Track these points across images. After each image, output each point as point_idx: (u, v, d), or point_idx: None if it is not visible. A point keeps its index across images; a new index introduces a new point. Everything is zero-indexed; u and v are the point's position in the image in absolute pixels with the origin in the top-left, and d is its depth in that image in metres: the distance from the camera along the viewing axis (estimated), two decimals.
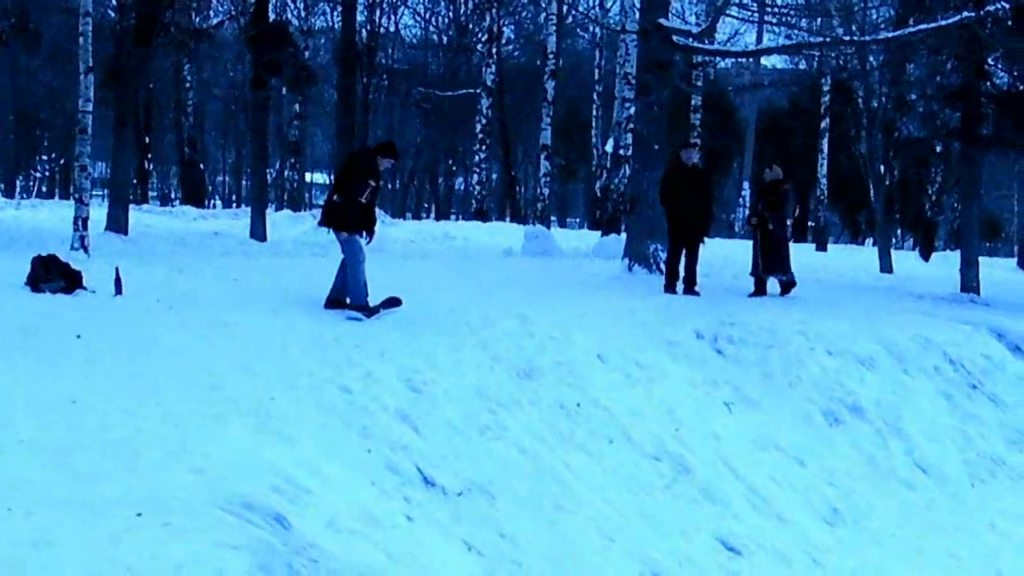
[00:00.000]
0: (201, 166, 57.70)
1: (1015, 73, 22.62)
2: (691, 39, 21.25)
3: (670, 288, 17.65)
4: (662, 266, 19.38)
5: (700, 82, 43.10)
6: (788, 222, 18.60)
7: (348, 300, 13.40)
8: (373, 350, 11.46)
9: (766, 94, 59.62)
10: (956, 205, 42.74)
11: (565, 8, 50.73)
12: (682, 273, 17.84)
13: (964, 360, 15.51)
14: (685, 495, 11.11)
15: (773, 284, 18.47)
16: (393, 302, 13.47)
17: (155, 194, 68.47)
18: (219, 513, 7.22)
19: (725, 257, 24.88)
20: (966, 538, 12.31)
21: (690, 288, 17.73)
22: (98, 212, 24.66)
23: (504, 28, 57.08)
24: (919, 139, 35.10)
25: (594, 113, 51.64)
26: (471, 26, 62.73)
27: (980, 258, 23.87)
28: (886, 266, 30.99)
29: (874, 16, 32.37)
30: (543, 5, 47.14)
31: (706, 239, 18.26)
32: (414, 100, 62.56)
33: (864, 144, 36.59)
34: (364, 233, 13.63)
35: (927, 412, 14.12)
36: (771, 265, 18.19)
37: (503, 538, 9.24)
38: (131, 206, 28.20)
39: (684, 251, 17.94)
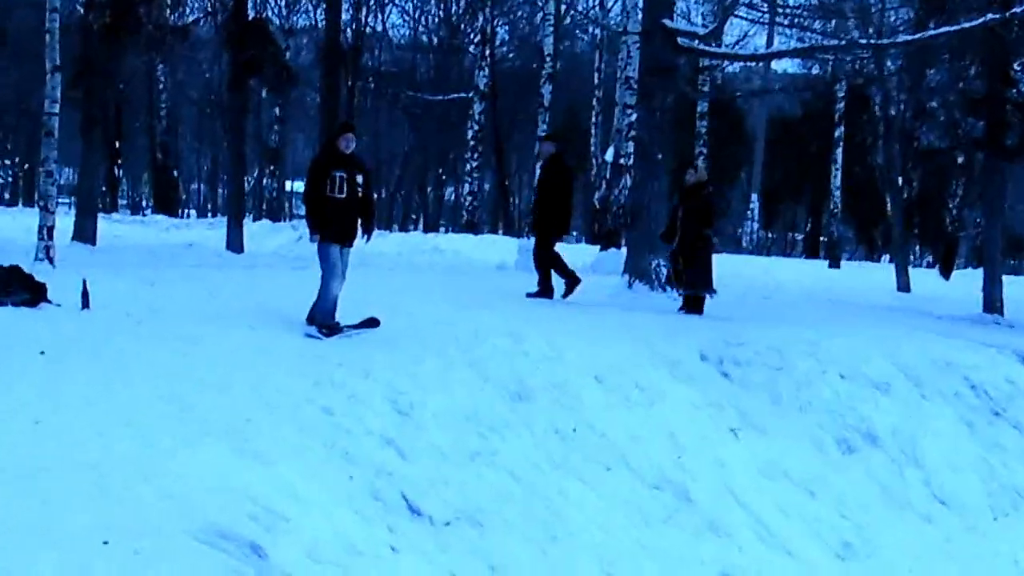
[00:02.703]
0: (175, 173, 57.75)
1: None
2: (697, 41, 21.31)
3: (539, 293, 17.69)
4: (663, 283, 19.45)
5: (707, 87, 43.24)
6: (710, 231, 18.06)
7: (311, 314, 13.26)
8: (357, 369, 11.47)
9: (777, 100, 59.82)
10: (978, 220, 42.81)
11: (563, 8, 50.90)
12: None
13: (987, 385, 15.50)
14: (687, 526, 11.13)
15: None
16: (370, 323, 13.35)
17: (125, 202, 68.54)
18: (192, 541, 7.25)
19: (733, 274, 24.92)
20: (987, 574, 12.32)
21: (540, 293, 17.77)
22: (64, 221, 24.66)
23: (498, 29, 57.36)
24: (939, 149, 35.11)
25: (593, 120, 51.72)
26: (463, 26, 62.85)
27: (1004, 276, 23.92)
28: (903, 284, 31.10)
29: (892, 18, 32.52)
30: (539, 5, 47.30)
31: (560, 239, 18.05)
32: (402, 104, 62.66)
33: (881, 154, 36.78)
34: (345, 242, 13.29)
35: (946, 440, 14.10)
36: (692, 280, 17.62)
37: (493, 570, 9.26)
38: (100, 215, 28.34)
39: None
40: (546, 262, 17.87)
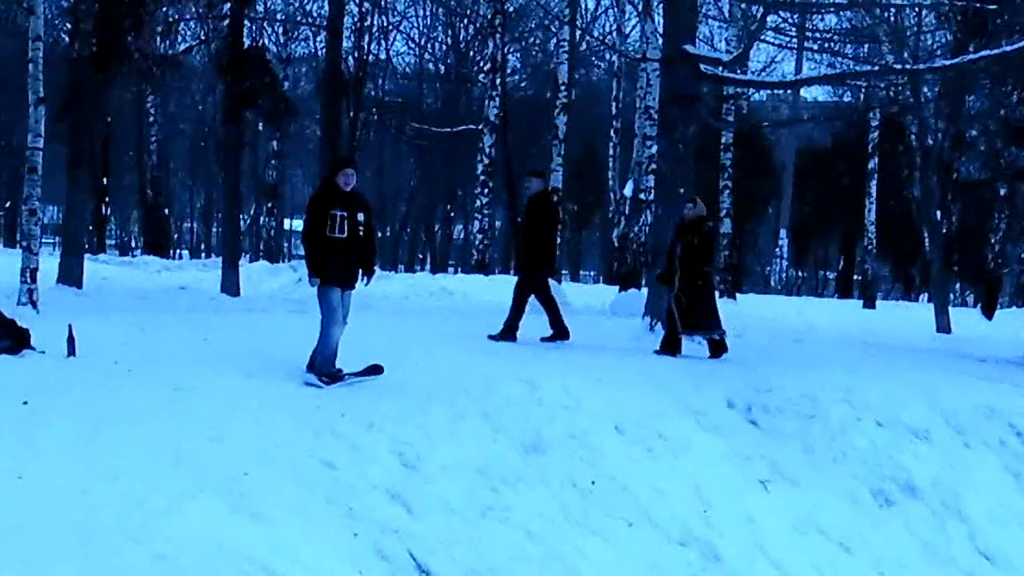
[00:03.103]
0: (166, 211, 57.94)
1: None
2: (721, 68, 21.35)
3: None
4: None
5: (731, 117, 43.24)
6: (709, 269, 17.83)
7: (311, 361, 13.18)
8: (360, 419, 11.46)
9: (806, 130, 59.80)
10: (1023, 255, 42.73)
11: (578, 33, 50.97)
12: None
13: None
14: None
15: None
16: (373, 370, 13.26)
17: (114, 243, 68.72)
18: None
19: (761, 316, 24.89)
20: None
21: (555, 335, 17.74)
22: (49, 262, 24.73)
23: (509, 56, 57.41)
24: (980, 180, 35.18)
25: (611, 152, 51.85)
26: (472, 54, 63.07)
27: None
28: (943, 325, 30.97)
29: (929, 42, 32.50)
30: (553, 30, 47.40)
31: (551, 280, 18.06)
32: (407, 137, 62.78)
33: (917, 186, 36.65)
34: (347, 285, 13.23)
35: (991, 491, 14.04)
36: (698, 321, 17.48)
37: None
38: (86, 256, 28.32)
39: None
40: (549, 301, 17.83)
